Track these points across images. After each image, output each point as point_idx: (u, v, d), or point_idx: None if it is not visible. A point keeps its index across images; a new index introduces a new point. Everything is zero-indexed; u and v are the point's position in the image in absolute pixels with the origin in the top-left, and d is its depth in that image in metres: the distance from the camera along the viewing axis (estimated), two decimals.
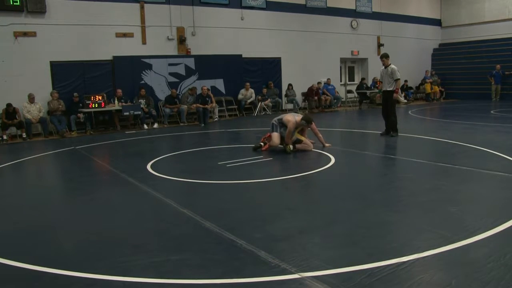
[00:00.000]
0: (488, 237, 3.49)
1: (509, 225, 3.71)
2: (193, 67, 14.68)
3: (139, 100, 13.06)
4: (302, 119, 7.66)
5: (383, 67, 9.30)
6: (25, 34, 11.77)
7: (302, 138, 7.77)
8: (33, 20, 11.85)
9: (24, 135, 11.30)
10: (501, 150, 7.06)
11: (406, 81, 19.89)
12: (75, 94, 12.30)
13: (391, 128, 9.30)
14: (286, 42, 16.80)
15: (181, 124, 13.60)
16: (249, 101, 15.64)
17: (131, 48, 13.42)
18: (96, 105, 12.08)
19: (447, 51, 21.99)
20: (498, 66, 18.47)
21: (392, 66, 9.10)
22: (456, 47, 21.52)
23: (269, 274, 2.96)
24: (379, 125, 10.19)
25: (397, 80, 9.10)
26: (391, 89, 9.21)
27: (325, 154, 7.31)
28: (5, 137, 11.06)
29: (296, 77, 16.91)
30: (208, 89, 13.90)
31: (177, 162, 7.72)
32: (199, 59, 14.72)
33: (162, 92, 14.11)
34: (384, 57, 9.27)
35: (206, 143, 9.88)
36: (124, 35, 13.32)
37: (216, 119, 14.49)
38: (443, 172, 5.95)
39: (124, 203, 5.10)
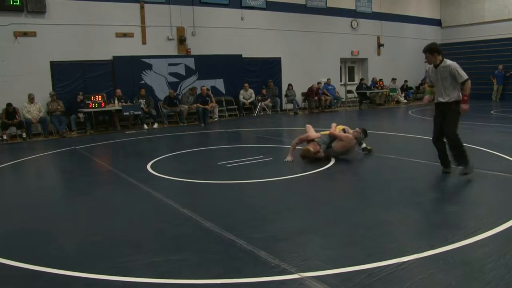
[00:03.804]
0: (488, 237, 3.49)
1: (509, 225, 3.71)
2: (193, 67, 14.68)
3: (139, 100, 13.06)
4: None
5: (431, 65, 5.60)
6: (25, 34, 11.76)
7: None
8: (33, 20, 11.84)
9: (24, 135, 11.30)
10: (501, 150, 7.06)
11: (406, 81, 19.91)
12: (81, 93, 12.25)
13: (459, 158, 5.50)
14: (286, 42, 16.80)
15: (181, 124, 13.60)
16: (249, 101, 15.65)
17: (131, 48, 13.42)
18: (96, 105, 12.08)
19: (447, 51, 21.88)
20: (500, 66, 18.46)
21: (449, 62, 5.45)
22: (456, 47, 21.50)
23: (269, 274, 2.96)
24: (378, 125, 10.20)
25: (465, 81, 5.38)
26: (454, 99, 5.46)
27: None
28: (5, 137, 11.06)
29: (296, 77, 16.90)
30: (207, 89, 13.92)
31: (177, 162, 7.72)
32: (199, 59, 14.71)
33: (162, 92, 14.10)
34: (436, 51, 5.49)
35: (206, 143, 9.88)
36: (124, 35, 13.32)
37: (216, 119, 14.49)
38: (443, 172, 5.94)
39: (124, 203, 5.10)
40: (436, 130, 5.67)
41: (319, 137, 6.95)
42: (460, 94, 5.49)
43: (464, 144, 5.45)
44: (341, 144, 6.81)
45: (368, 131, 7.55)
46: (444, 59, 5.52)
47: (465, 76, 5.37)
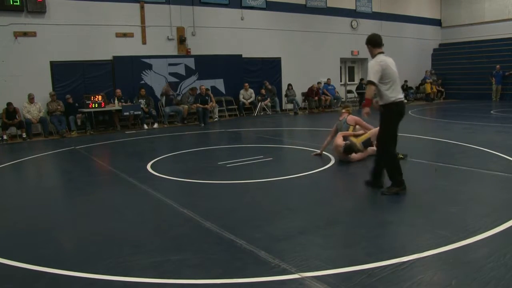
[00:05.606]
0: (488, 237, 3.49)
1: (509, 225, 3.71)
2: (193, 67, 14.68)
3: (139, 100, 13.07)
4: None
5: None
6: (25, 34, 11.76)
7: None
8: (33, 20, 11.84)
9: (24, 135, 11.29)
10: (501, 150, 7.06)
11: (406, 81, 19.88)
12: (67, 96, 12.15)
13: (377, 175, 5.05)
14: (286, 42, 16.80)
15: (181, 124, 13.60)
16: (249, 101, 15.66)
17: (131, 48, 13.42)
18: (96, 105, 12.08)
19: (447, 51, 21.99)
20: (498, 66, 18.49)
21: (376, 59, 5.04)
22: (456, 47, 21.52)
23: (269, 274, 2.96)
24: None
25: (367, 83, 4.96)
26: (383, 102, 5.05)
27: (325, 154, 7.30)
28: (5, 137, 11.05)
29: (296, 77, 16.90)
30: (207, 89, 13.94)
31: (177, 162, 7.72)
32: (199, 59, 14.71)
33: None
34: (369, 43, 5.22)
35: (206, 143, 9.88)
36: (124, 35, 13.32)
37: (216, 119, 14.49)
38: (443, 172, 5.95)
39: (124, 203, 5.10)
40: None
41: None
42: (389, 96, 4.88)
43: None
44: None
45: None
46: (378, 55, 4.95)
47: (370, 77, 4.81)
